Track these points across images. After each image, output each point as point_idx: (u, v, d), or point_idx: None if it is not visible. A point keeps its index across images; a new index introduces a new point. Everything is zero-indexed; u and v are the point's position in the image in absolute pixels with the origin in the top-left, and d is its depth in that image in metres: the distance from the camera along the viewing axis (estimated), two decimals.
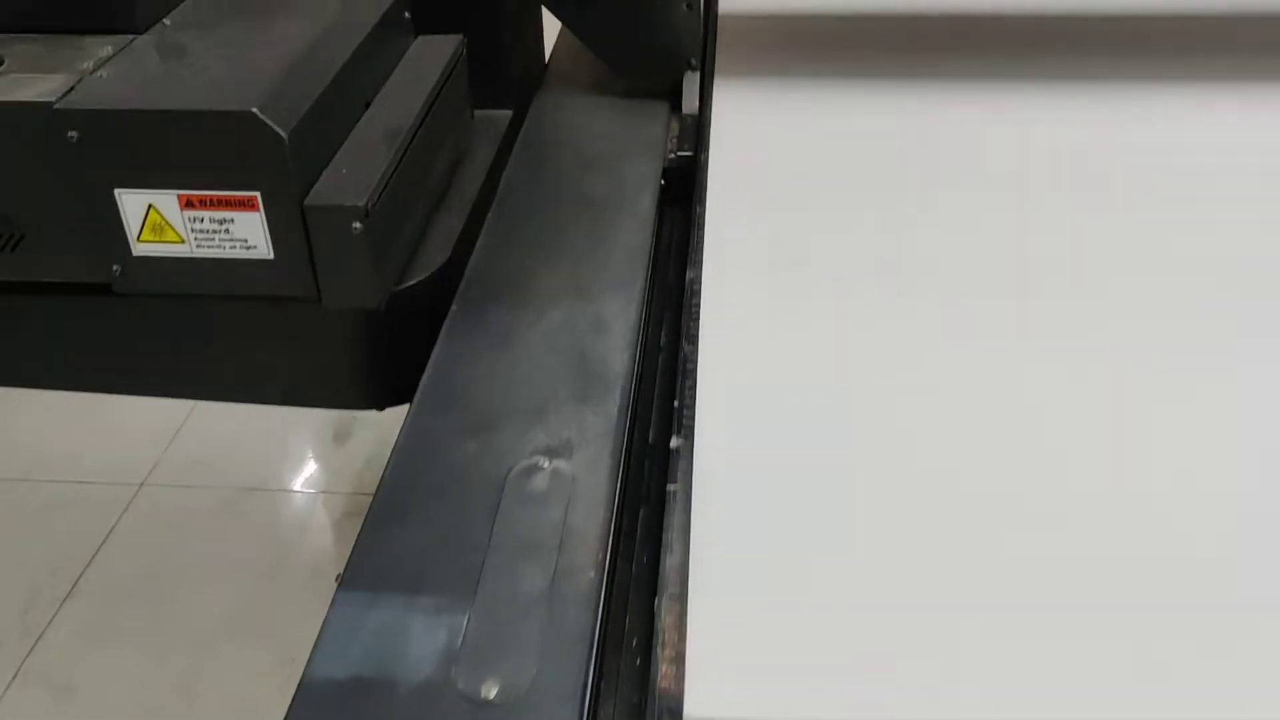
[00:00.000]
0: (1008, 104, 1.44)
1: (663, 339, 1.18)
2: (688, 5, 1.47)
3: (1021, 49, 1.58)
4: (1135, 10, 1.64)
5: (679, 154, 1.42)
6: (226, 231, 1.07)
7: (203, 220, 1.06)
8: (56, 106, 1.01)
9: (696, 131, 1.44)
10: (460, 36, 1.38)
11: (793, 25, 1.70)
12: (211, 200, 1.05)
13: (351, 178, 1.08)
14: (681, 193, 1.40)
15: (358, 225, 1.04)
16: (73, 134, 1.02)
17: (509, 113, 1.57)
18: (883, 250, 1.19)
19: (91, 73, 1.07)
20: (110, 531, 2.56)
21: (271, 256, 1.08)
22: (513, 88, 1.57)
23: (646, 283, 1.21)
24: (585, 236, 1.29)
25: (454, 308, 1.18)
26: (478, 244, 1.29)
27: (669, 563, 0.80)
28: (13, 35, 1.15)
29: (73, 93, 1.03)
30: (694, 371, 1.01)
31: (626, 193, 1.36)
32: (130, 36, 1.15)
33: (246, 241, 1.07)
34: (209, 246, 1.07)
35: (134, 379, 1.30)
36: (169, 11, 1.20)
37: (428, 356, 1.14)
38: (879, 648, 0.73)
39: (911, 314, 1.08)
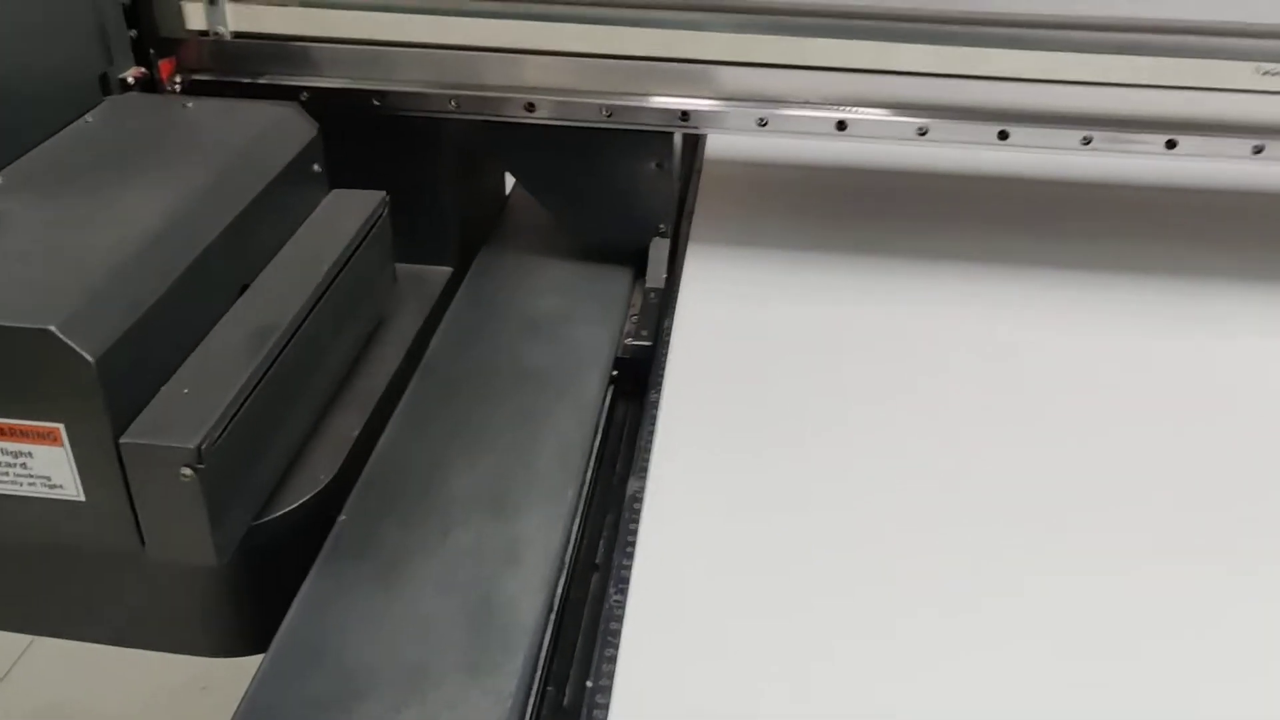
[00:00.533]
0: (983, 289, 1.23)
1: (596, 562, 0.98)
2: (658, 165, 1.25)
3: (1011, 221, 1.36)
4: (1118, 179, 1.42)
5: (636, 341, 1.19)
6: (24, 466, 0.83)
7: None
8: None
9: (658, 316, 1.21)
10: (382, 194, 1.15)
11: (776, 175, 1.47)
12: (3, 429, 0.82)
13: (190, 403, 0.84)
14: (635, 386, 1.17)
15: (187, 472, 0.81)
16: None
17: (447, 270, 1.34)
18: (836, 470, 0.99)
19: None
20: None
21: (82, 499, 0.84)
22: (451, 242, 1.35)
23: (580, 492, 0.99)
24: (515, 428, 1.06)
25: (341, 518, 0.96)
26: (386, 430, 1.07)
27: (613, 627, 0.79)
28: None
29: None
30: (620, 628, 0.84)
31: (571, 379, 1.13)
32: None
33: (49, 479, 0.84)
34: (2, 482, 0.84)
35: None
36: (10, 160, 0.98)
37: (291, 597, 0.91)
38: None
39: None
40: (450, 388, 1.13)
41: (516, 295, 1.27)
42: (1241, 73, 1.08)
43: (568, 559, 0.95)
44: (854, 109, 1.17)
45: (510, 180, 1.50)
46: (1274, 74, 1.08)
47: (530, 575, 0.91)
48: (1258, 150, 1.13)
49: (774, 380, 1.10)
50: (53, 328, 0.77)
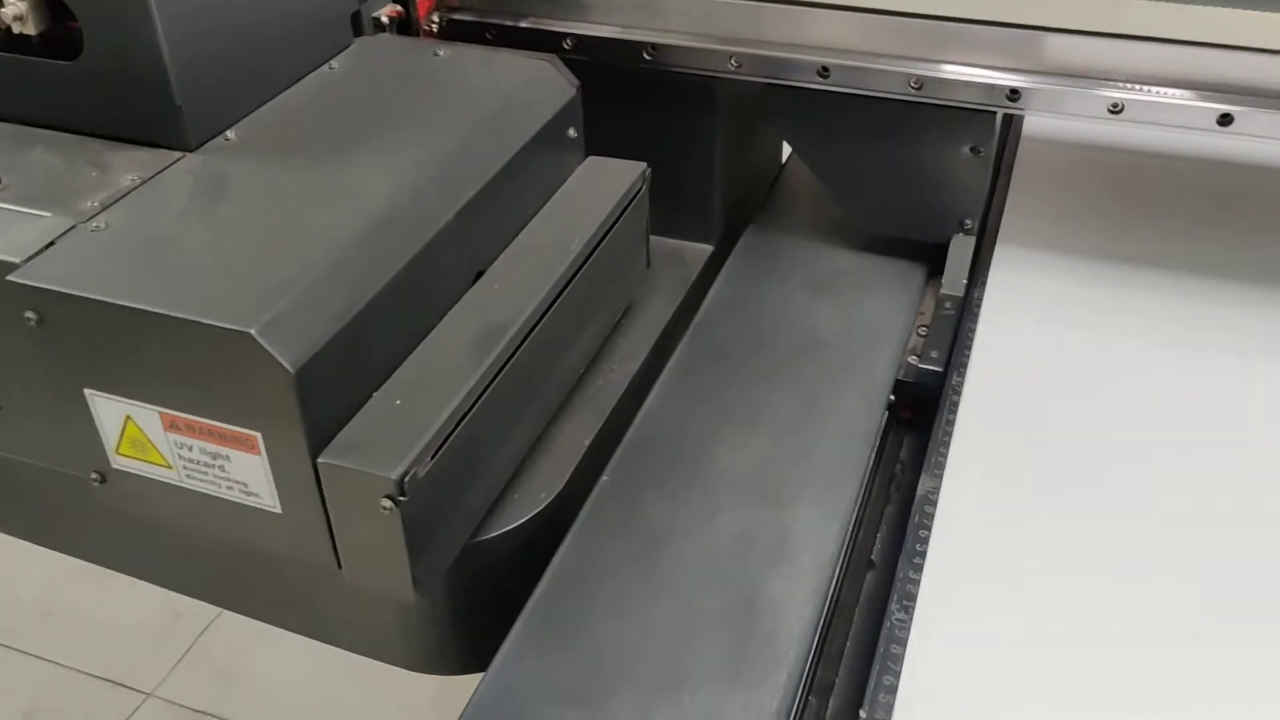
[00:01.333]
0: None
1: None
2: (972, 149, 1.03)
3: None
4: None
5: (920, 364, 0.99)
6: (222, 469, 0.75)
7: (191, 449, 0.75)
8: (10, 277, 0.72)
9: (953, 334, 1.01)
10: (643, 166, 1.00)
11: (1109, 162, 1.21)
12: (203, 429, 0.73)
13: (400, 420, 0.73)
14: (916, 416, 0.98)
15: (387, 504, 0.70)
16: (31, 315, 0.73)
17: (708, 249, 1.18)
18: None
19: (90, 217, 0.77)
20: None
21: (278, 510, 0.75)
22: (715, 219, 1.18)
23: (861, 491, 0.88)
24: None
25: (604, 479, 0.88)
26: (646, 402, 0.96)
27: (883, 682, 0.71)
28: (42, 133, 0.87)
29: (43, 255, 0.74)
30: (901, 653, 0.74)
31: (838, 406, 0.95)
32: (174, 156, 0.85)
33: (246, 486, 0.75)
34: (202, 481, 0.76)
35: (139, 567, 1.03)
36: (241, 117, 0.89)
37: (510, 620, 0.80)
38: None
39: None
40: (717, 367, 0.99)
41: (784, 288, 1.10)
42: None
43: (842, 557, 0.83)
44: (1243, 99, 0.91)
45: (785, 154, 1.32)
46: None
47: (802, 579, 0.80)
48: None
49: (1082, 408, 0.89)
50: (253, 331, 0.66)
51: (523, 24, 1.10)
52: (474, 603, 0.88)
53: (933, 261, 1.11)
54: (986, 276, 1.05)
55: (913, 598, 0.77)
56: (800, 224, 1.18)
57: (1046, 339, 0.99)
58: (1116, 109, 0.94)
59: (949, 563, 0.79)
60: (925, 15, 0.97)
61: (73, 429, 0.78)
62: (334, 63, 0.99)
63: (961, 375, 0.95)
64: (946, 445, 0.88)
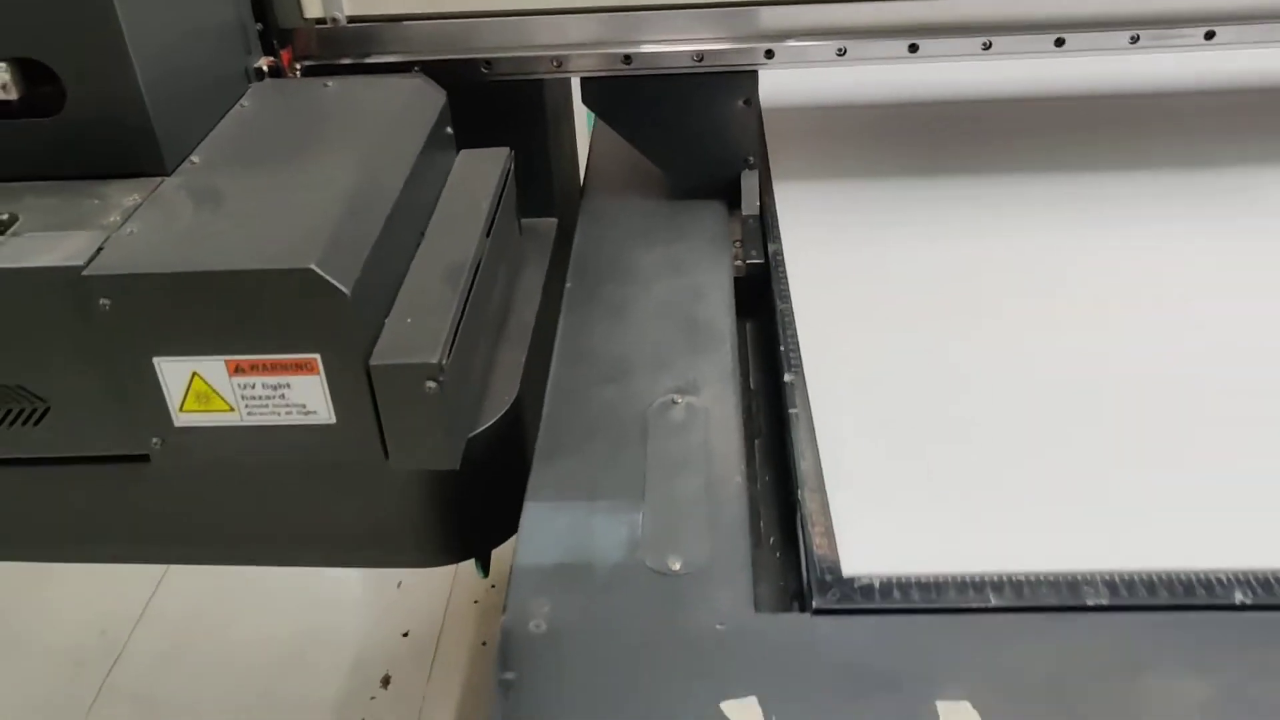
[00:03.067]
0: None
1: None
2: (745, 101, 1.37)
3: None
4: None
5: (749, 261, 1.31)
6: (282, 397, 0.94)
7: (254, 387, 0.94)
8: (85, 272, 0.89)
9: (762, 239, 1.34)
10: (507, 150, 1.27)
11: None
12: (265, 365, 0.93)
13: (419, 329, 0.96)
14: (753, 302, 1.29)
15: (432, 385, 0.92)
16: (105, 302, 0.90)
17: (554, 221, 1.46)
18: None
19: (119, 227, 0.95)
20: None
21: (333, 421, 0.95)
22: (555, 194, 1.46)
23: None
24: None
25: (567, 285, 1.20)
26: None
27: (803, 466, 0.96)
28: (24, 185, 1.03)
29: (102, 254, 0.91)
30: (792, 322, 1.15)
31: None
32: (157, 180, 1.03)
33: (305, 406, 0.95)
34: (262, 414, 0.95)
35: (171, 548, 1.17)
36: (194, 147, 1.09)
37: (497, 508, 1.03)
38: (975, 518, 0.91)
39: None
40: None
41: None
42: None
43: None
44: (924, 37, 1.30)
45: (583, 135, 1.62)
46: None
47: (716, 300, 1.19)
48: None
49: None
50: (313, 265, 0.88)
51: (372, 59, 1.34)
52: (472, 491, 1.10)
53: (730, 195, 1.43)
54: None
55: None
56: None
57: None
58: (842, 53, 1.31)
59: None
60: (699, 5, 1.30)
61: (134, 401, 0.94)
62: (244, 101, 1.19)
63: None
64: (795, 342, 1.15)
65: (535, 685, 0.79)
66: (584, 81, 1.37)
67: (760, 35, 1.31)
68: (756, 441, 1.07)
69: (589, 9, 1.30)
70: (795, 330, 1.14)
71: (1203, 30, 1.28)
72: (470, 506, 1.11)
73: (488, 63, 1.33)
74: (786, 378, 1.07)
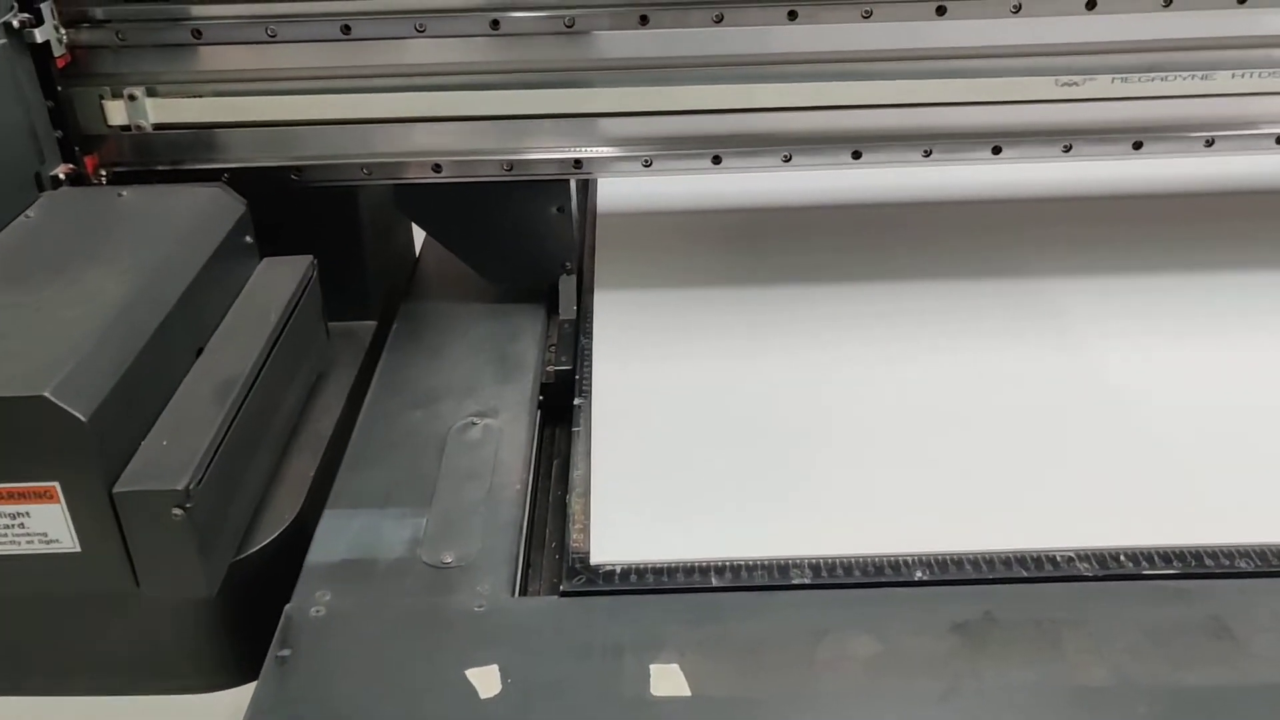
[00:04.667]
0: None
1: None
2: (558, 209, 1.38)
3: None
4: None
5: (557, 368, 1.31)
6: (21, 526, 0.91)
7: None
8: None
9: (574, 342, 1.34)
10: (310, 258, 1.26)
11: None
12: (0, 494, 0.90)
13: (171, 452, 0.94)
14: (560, 405, 1.29)
15: (178, 512, 0.90)
16: None
17: (372, 324, 1.45)
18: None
19: None
20: None
21: (78, 549, 0.92)
22: (374, 298, 1.46)
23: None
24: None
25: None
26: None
27: (575, 475, 1.12)
28: None
29: None
30: (589, 357, 1.29)
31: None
32: None
33: (46, 535, 0.92)
34: (1, 544, 0.92)
35: None
36: None
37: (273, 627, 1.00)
38: (708, 515, 1.07)
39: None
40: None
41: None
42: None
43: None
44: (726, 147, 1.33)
45: (419, 236, 1.62)
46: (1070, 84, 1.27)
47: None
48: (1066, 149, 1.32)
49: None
50: (46, 393, 0.86)
51: (182, 167, 1.33)
52: (244, 614, 1.07)
53: (549, 298, 1.44)
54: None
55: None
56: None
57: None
58: (647, 164, 1.33)
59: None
60: (506, 116, 1.31)
61: None
62: (29, 213, 1.17)
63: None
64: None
65: (307, 660, 0.90)
66: (396, 188, 1.37)
67: (571, 144, 1.33)
68: (555, 462, 1.20)
69: (395, 119, 1.31)
70: (591, 363, 1.29)
71: (989, 146, 1.33)
72: (248, 626, 1.08)
73: (297, 170, 1.34)
74: (576, 401, 1.22)
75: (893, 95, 1.29)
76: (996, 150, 1.33)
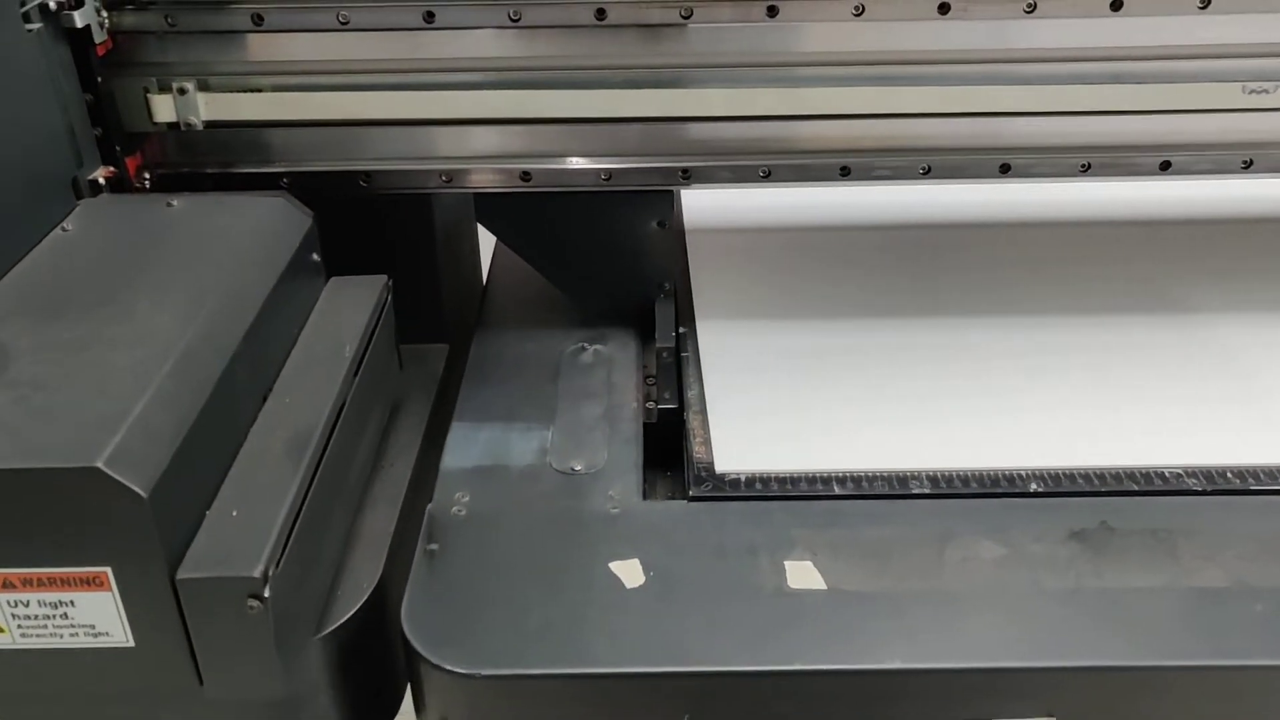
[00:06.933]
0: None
1: None
2: (659, 223, 1.22)
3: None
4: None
5: (660, 405, 1.15)
6: (65, 616, 0.76)
7: (28, 604, 0.75)
8: None
9: (678, 374, 1.18)
10: (384, 279, 1.11)
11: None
12: (42, 580, 0.74)
13: (244, 527, 0.78)
14: (669, 451, 1.13)
15: (255, 603, 0.75)
16: None
17: (444, 347, 1.29)
18: None
19: None
20: None
21: (131, 644, 0.77)
22: (446, 318, 1.30)
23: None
24: None
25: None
26: None
27: (690, 395, 1.13)
28: None
29: None
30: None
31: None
32: None
33: (94, 628, 0.76)
34: (40, 636, 0.77)
35: None
36: None
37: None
38: (827, 432, 1.08)
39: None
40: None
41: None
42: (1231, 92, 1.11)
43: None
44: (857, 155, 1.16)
45: (486, 251, 1.46)
46: (1259, 92, 1.11)
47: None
48: (1246, 164, 1.16)
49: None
50: (100, 464, 0.70)
51: (236, 170, 1.17)
52: (329, 697, 0.92)
53: (644, 323, 1.28)
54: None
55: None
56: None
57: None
58: (766, 174, 1.17)
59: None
60: (607, 119, 1.15)
61: None
62: (66, 224, 1.01)
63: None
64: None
65: (455, 554, 0.93)
66: (478, 198, 1.21)
67: (677, 152, 1.17)
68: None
69: (480, 120, 1.15)
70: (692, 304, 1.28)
71: (1157, 160, 1.16)
72: (335, 711, 0.93)
73: (367, 176, 1.17)
74: (681, 329, 1.22)
75: (1050, 102, 1.13)
76: (1165, 166, 1.16)
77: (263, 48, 1.13)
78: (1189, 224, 1.46)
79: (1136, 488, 0.99)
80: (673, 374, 1.19)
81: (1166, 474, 1.01)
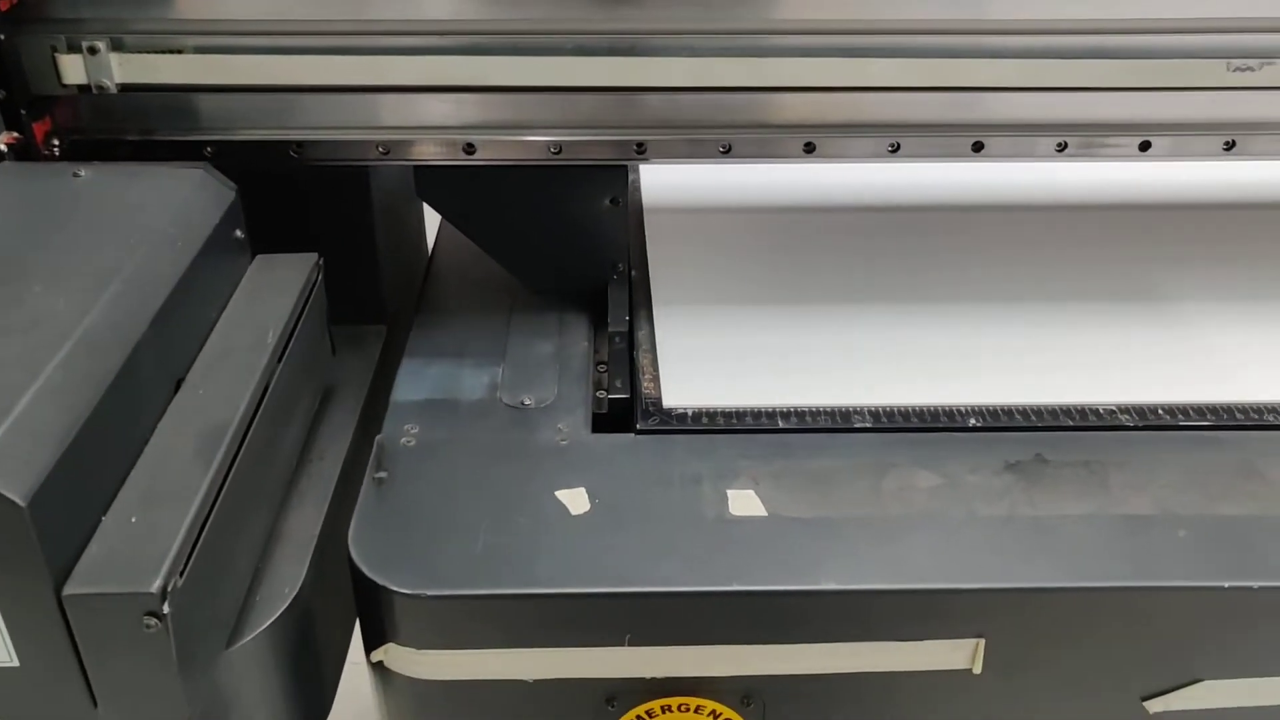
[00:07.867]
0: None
1: None
2: (613, 200, 1.15)
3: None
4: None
5: (610, 395, 1.09)
6: None
7: None
8: None
9: (629, 363, 1.12)
10: (314, 257, 1.03)
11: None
12: None
13: (142, 535, 0.71)
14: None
15: (152, 621, 0.67)
16: None
17: (382, 329, 1.22)
18: None
19: None
20: None
21: (15, 663, 0.69)
22: (384, 298, 1.22)
23: None
24: None
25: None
26: None
27: (641, 334, 1.15)
28: None
29: None
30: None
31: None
32: None
33: None
34: None
35: None
36: None
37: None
38: (772, 373, 1.10)
39: None
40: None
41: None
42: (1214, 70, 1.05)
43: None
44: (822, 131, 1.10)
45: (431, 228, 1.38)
46: (1244, 70, 1.05)
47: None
48: (1228, 146, 1.11)
49: None
50: None
51: (155, 138, 1.09)
52: (242, 714, 0.85)
53: (595, 306, 1.21)
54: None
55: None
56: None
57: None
58: (725, 149, 1.10)
59: None
60: (557, 88, 1.08)
61: None
62: None
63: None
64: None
65: (403, 483, 0.94)
66: (418, 171, 1.13)
67: (632, 125, 1.10)
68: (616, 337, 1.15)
69: (420, 87, 1.07)
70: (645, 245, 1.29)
71: (1137, 141, 1.11)
72: None
73: (298, 146, 1.09)
74: (633, 273, 1.22)
75: (1024, 78, 1.07)
76: (1145, 146, 1.11)
77: (184, 4, 1.04)
78: (1161, 208, 1.41)
79: (1071, 423, 1.02)
80: (624, 360, 1.12)
81: (1100, 410, 1.03)
